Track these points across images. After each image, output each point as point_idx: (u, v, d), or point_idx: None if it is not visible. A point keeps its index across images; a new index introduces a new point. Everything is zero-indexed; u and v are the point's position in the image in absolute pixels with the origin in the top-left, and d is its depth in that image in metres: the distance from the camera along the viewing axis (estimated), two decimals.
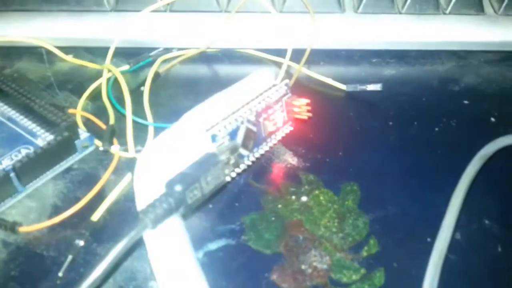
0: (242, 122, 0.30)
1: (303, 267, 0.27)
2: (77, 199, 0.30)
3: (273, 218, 0.30)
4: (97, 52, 0.42)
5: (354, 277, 0.27)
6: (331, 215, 0.30)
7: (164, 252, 0.25)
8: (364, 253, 0.28)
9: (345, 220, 0.30)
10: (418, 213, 0.30)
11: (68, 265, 0.27)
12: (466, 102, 0.39)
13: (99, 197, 0.30)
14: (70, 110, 0.36)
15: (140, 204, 0.26)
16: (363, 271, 0.27)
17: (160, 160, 0.28)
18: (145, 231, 0.24)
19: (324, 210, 0.30)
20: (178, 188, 0.25)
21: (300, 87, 0.39)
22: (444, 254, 0.26)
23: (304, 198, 0.31)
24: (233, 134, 0.30)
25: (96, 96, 0.38)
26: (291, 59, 0.40)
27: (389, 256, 0.28)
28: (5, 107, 0.36)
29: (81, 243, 0.27)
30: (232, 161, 0.29)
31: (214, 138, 0.28)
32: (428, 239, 0.28)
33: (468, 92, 0.40)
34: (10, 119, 0.35)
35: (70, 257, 0.27)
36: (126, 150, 0.33)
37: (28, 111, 0.35)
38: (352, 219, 0.30)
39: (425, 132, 0.36)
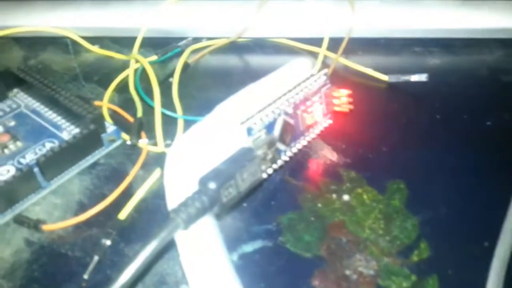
0: (279, 115, 0.28)
1: (347, 272, 0.25)
2: (104, 196, 0.28)
3: (312, 219, 0.28)
4: (123, 42, 0.41)
5: (404, 284, 0.24)
6: (376, 216, 0.27)
7: (197, 254, 0.23)
8: (415, 258, 0.25)
9: (392, 222, 0.27)
10: (472, 215, 0.27)
11: (94, 267, 0.25)
12: None
13: (127, 194, 0.29)
14: (96, 102, 0.35)
15: (171, 202, 0.24)
16: (413, 278, 0.25)
17: (192, 155, 0.26)
18: (177, 232, 0.22)
19: (368, 210, 0.28)
20: (212, 185, 0.23)
21: (339, 78, 0.37)
22: (507, 262, 0.23)
23: (346, 197, 0.29)
24: (269, 128, 0.27)
25: (123, 87, 0.37)
26: (328, 49, 0.38)
27: (443, 261, 0.25)
28: (30, 99, 0.34)
29: (107, 242, 0.26)
30: (269, 156, 0.27)
31: (249, 131, 0.26)
32: (485, 243, 0.25)
33: None
34: (34, 111, 0.33)
35: (96, 258, 0.25)
36: (155, 144, 0.32)
37: (53, 103, 0.33)
38: (400, 220, 0.27)
39: (476, 126, 0.33)
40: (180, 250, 0.23)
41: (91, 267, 0.25)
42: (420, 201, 0.28)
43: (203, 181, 0.23)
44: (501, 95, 0.36)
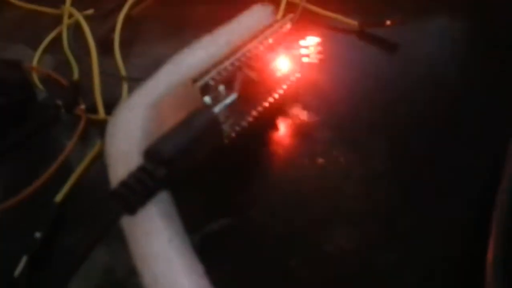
0: (239, 69, 0.24)
1: (327, 247, 0.22)
2: (37, 176, 0.24)
3: (285, 188, 0.24)
4: None
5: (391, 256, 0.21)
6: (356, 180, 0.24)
7: (148, 241, 0.19)
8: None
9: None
10: (459, 172, 0.24)
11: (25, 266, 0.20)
12: None
13: (64, 172, 0.24)
14: (25, 66, 0.30)
15: (114, 180, 0.20)
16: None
17: (137, 122, 0.22)
18: (120, 218, 0.18)
19: (346, 173, 0.24)
20: (160, 169, 0.19)
21: (305, 25, 0.32)
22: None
23: (320, 160, 0.25)
24: (228, 84, 0.23)
25: (56, 47, 0.31)
26: None
27: (432, 228, 0.22)
28: None
29: (39, 235, 0.21)
30: (229, 118, 0.23)
31: (205, 89, 0.22)
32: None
33: None
34: None
35: (24, 258, 0.20)
36: (94, 111, 0.27)
37: None
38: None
39: (455, 71, 0.30)
40: (128, 238, 0.19)
41: (20, 267, 0.20)
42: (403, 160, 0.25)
43: (149, 153, 0.19)
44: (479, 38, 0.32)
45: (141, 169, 0.18)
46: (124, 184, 0.18)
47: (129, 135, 0.21)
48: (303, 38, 0.27)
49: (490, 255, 0.20)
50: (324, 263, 0.21)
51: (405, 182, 0.24)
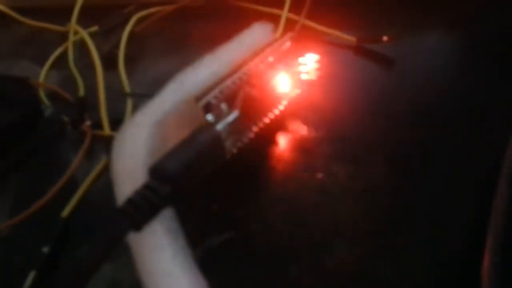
0: (240, 87, 0.24)
1: (327, 261, 0.22)
2: (43, 191, 0.25)
3: (283, 202, 0.25)
4: (60, 12, 0.36)
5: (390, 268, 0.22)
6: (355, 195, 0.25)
7: (154, 256, 0.19)
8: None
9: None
10: (459, 187, 0.25)
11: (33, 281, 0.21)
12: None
13: (70, 187, 0.25)
14: (32, 82, 0.30)
15: (121, 196, 0.21)
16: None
17: (142, 139, 0.22)
18: (127, 234, 0.18)
19: (345, 188, 0.25)
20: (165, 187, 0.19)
21: (303, 42, 0.33)
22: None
23: (319, 175, 0.26)
24: (230, 102, 0.24)
25: (61, 64, 0.32)
26: (290, 10, 0.34)
27: (430, 241, 0.23)
28: None
29: (46, 250, 0.22)
30: (231, 134, 0.24)
31: (208, 107, 0.23)
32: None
33: None
34: None
35: (32, 273, 0.21)
36: (100, 127, 0.28)
37: None
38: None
39: (452, 88, 0.30)
40: (133, 253, 0.19)
41: (28, 281, 0.21)
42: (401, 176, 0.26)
43: (154, 171, 0.19)
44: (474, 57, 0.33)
45: (146, 187, 0.19)
46: (130, 201, 0.18)
47: (134, 152, 0.22)
48: (302, 55, 0.28)
49: (485, 264, 0.20)
50: (323, 276, 0.22)
51: (403, 196, 0.25)
